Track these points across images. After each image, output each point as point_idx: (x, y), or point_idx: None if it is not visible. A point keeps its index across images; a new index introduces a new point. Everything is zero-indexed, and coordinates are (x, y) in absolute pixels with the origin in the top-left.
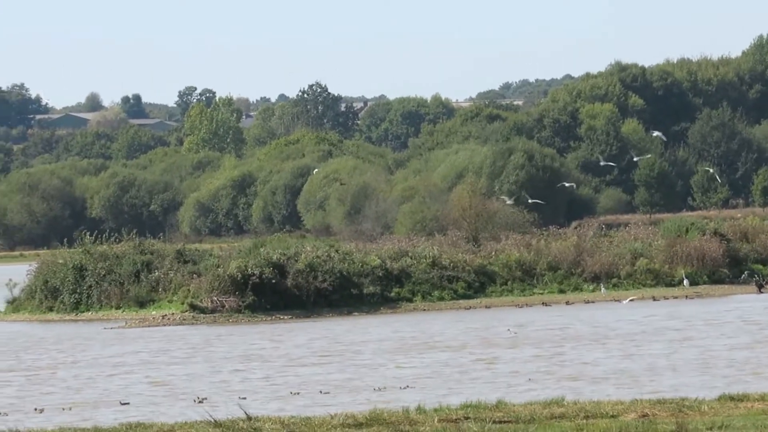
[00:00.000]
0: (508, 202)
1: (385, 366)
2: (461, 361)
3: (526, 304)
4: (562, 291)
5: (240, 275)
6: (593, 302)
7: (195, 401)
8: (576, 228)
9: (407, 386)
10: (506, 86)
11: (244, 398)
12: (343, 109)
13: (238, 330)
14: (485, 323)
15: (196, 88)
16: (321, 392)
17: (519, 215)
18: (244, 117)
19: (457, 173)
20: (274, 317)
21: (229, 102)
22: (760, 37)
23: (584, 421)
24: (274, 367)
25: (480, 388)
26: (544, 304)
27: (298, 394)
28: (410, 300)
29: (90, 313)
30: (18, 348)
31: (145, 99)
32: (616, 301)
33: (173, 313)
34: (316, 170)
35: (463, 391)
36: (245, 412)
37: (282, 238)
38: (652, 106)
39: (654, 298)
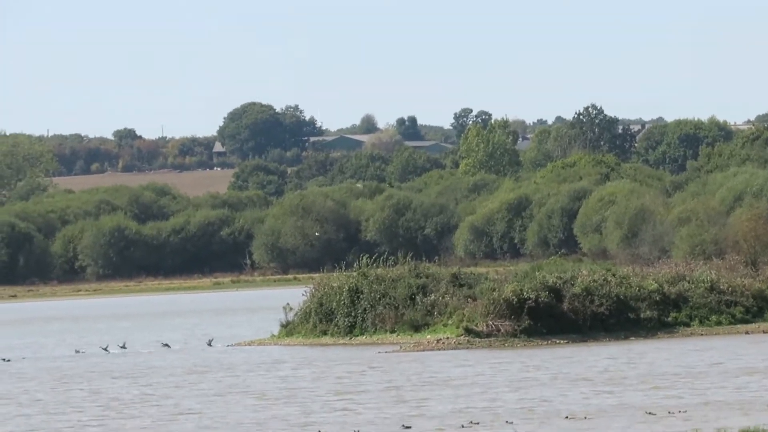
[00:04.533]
0: None
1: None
2: None
3: None
4: None
5: (516, 299)
6: None
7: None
8: None
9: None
10: None
11: None
12: (620, 131)
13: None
14: None
15: (471, 110)
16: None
17: None
18: (520, 139)
19: (735, 196)
20: (550, 342)
21: (505, 124)
22: None
23: None
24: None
25: None
26: None
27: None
28: (687, 325)
29: (364, 336)
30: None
31: (420, 121)
32: None
33: (448, 337)
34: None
35: None
36: None
37: (558, 261)
38: None
39: None
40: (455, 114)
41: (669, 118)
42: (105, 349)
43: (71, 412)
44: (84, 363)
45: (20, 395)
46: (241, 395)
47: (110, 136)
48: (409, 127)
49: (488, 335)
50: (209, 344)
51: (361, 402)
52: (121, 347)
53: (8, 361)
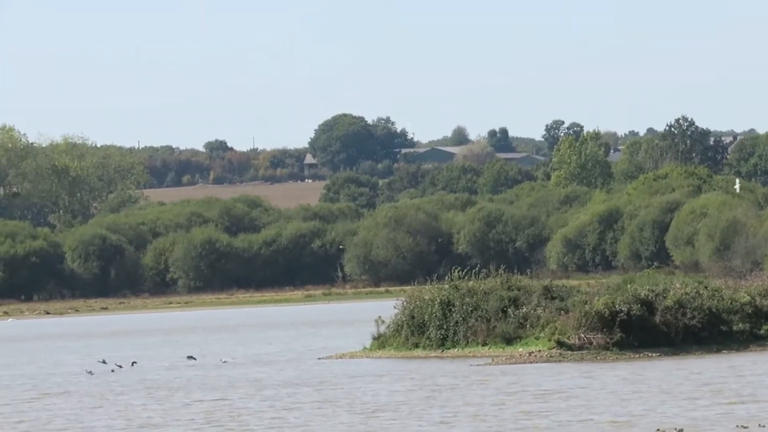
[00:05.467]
0: None
1: None
2: None
3: None
4: None
5: (608, 312)
6: None
7: None
8: None
9: None
10: None
11: None
12: (711, 143)
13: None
14: None
15: (563, 122)
16: None
17: None
18: (612, 151)
19: None
20: (642, 355)
21: (596, 136)
22: None
23: None
24: None
25: None
26: None
27: None
28: None
29: (456, 349)
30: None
31: (512, 133)
32: None
33: (540, 350)
34: None
35: None
36: None
37: (651, 274)
38: None
39: None
40: (547, 126)
41: (761, 129)
42: (225, 361)
43: (180, 422)
44: (188, 374)
45: (125, 409)
46: (345, 407)
47: (201, 148)
48: (500, 139)
49: (580, 348)
50: (223, 361)
51: (471, 413)
52: (225, 360)
53: (91, 373)
